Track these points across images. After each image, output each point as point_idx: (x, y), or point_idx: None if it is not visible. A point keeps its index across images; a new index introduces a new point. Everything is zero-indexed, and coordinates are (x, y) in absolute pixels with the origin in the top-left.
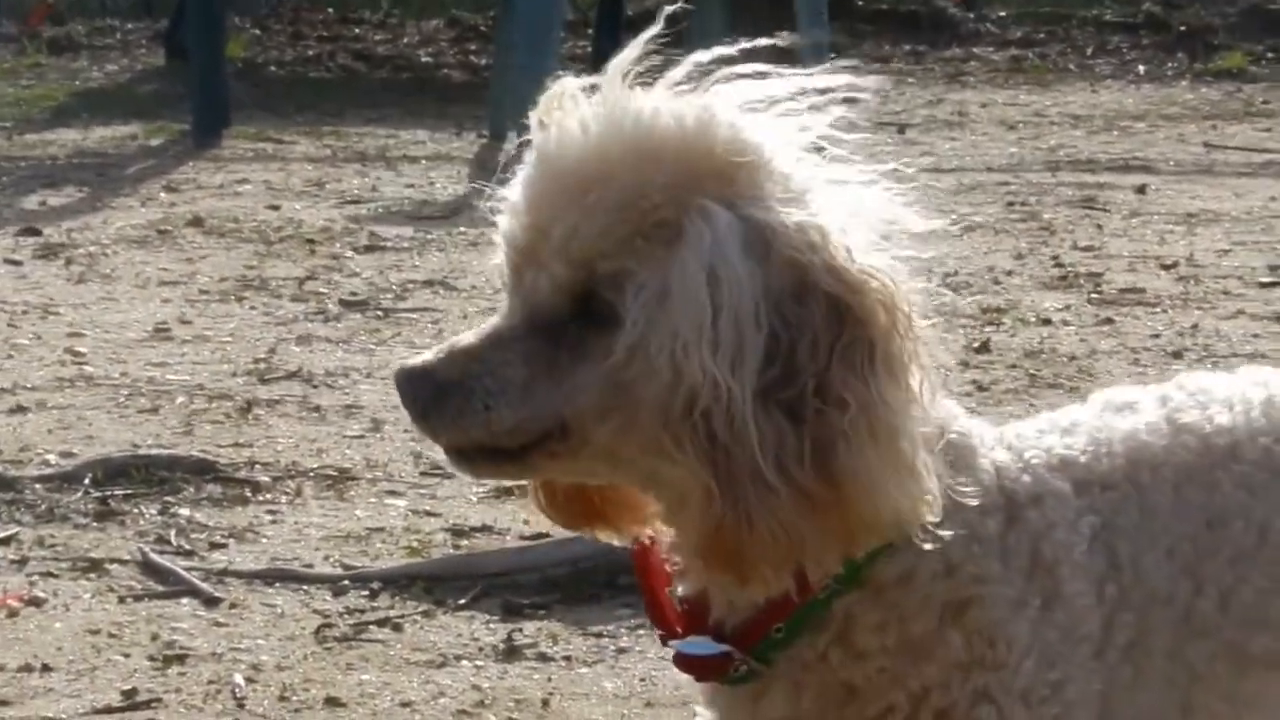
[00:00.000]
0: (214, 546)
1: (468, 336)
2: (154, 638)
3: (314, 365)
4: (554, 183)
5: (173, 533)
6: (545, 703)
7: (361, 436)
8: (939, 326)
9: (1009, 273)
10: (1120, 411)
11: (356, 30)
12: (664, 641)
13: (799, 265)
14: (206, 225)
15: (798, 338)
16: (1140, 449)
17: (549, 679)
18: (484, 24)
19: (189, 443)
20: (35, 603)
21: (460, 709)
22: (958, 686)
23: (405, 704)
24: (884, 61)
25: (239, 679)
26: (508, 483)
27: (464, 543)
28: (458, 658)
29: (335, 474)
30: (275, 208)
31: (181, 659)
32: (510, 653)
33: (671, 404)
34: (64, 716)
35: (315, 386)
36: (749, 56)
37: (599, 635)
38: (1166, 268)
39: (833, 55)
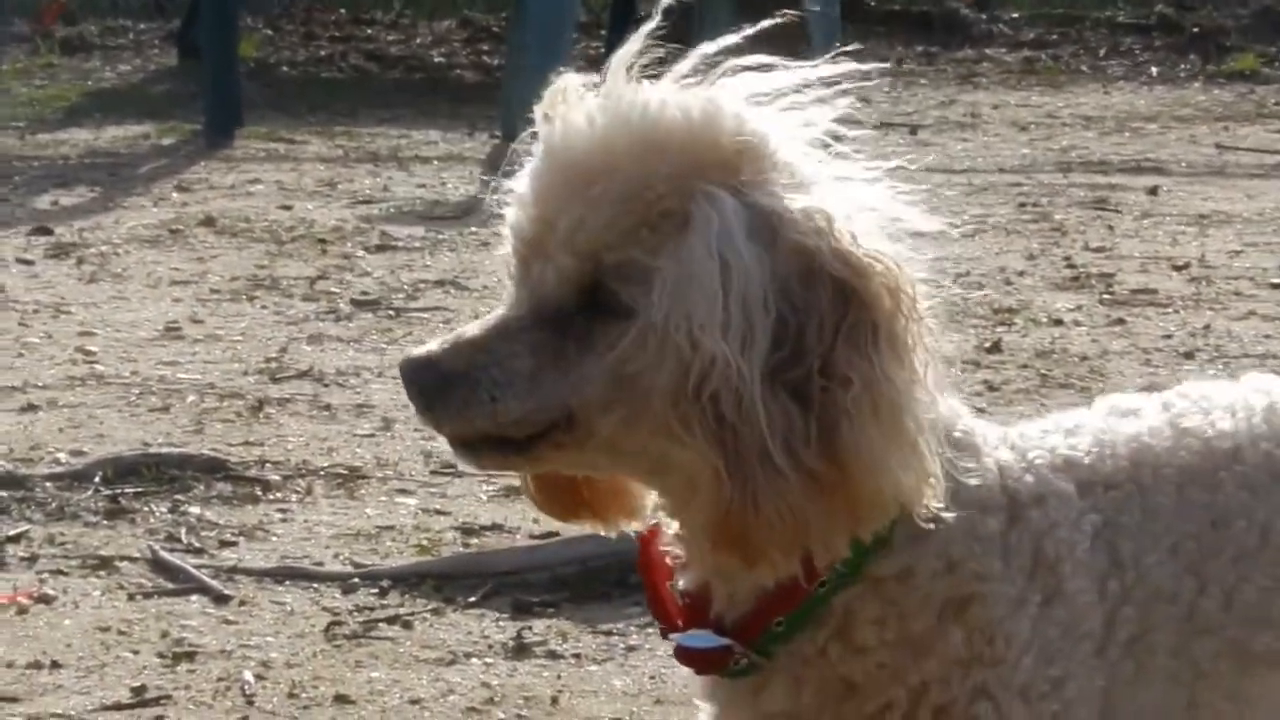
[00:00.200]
0: (224, 544)
1: (473, 328)
2: (164, 635)
3: (325, 364)
4: (560, 175)
5: (183, 531)
6: (555, 700)
7: (372, 435)
8: (948, 324)
9: (1021, 273)
10: (1124, 416)
11: (369, 30)
12: (664, 635)
13: (805, 250)
14: (218, 225)
15: (805, 321)
16: (1143, 451)
17: (558, 677)
18: (496, 25)
19: (200, 441)
20: (45, 600)
21: (470, 706)
22: (957, 683)
23: (415, 701)
24: (897, 62)
25: (248, 676)
26: (515, 478)
27: (474, 541)
28: (467, 655)
29: (346, 472)
30: (287, 207)
31: (191, 656)
32: (520, 650)
33: (682, 386)
34: (74, 713)
35: (326, 385)
36: (759, 40)
37: (608, 633)
38: (1178, 269)
39: (845, 28)
